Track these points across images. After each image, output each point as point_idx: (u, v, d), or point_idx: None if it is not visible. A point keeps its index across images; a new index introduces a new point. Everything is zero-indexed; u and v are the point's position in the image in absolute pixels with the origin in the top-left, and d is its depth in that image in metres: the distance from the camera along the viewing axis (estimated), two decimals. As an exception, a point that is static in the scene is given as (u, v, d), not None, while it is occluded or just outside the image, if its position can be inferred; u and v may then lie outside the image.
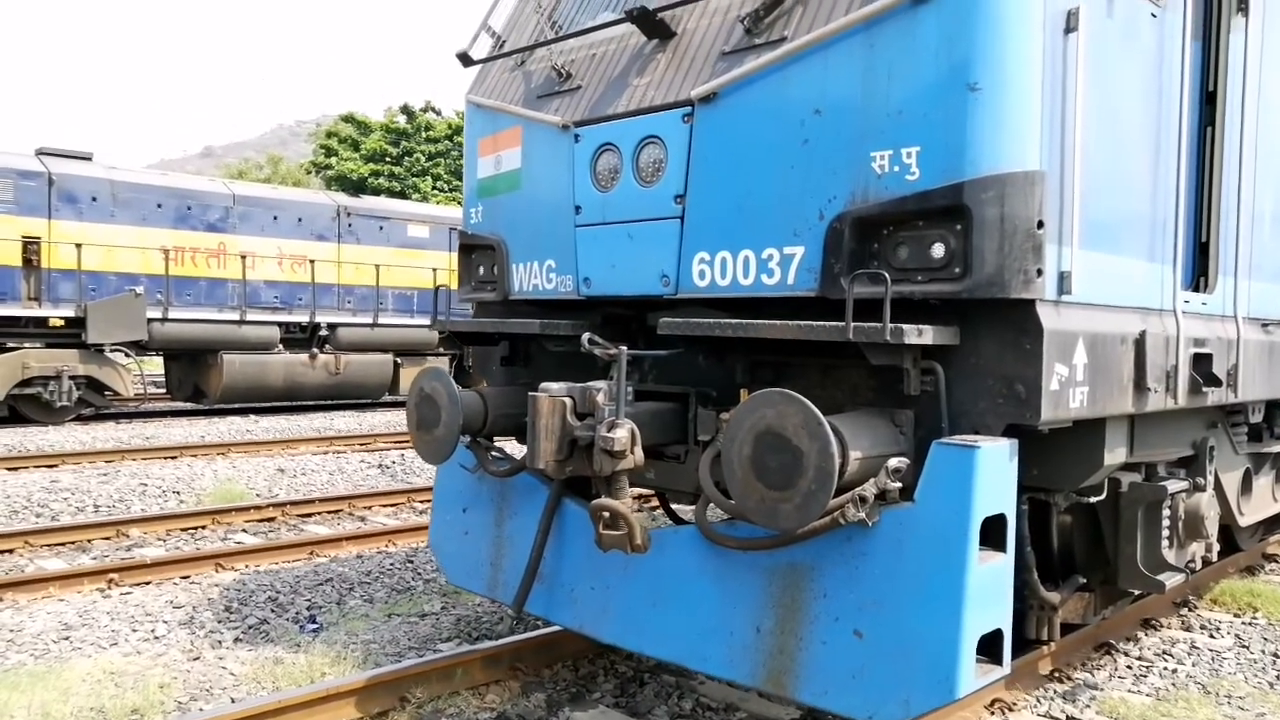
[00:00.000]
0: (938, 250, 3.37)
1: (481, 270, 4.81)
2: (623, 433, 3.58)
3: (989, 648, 3.36)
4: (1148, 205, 3.91)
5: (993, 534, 3.36)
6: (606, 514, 3.64)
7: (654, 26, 4.03)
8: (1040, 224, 3.31)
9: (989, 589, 3.29)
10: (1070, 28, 3.40)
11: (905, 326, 3.23)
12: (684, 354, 3.99)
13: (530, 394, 3.76)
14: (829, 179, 3.54)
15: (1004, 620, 3.38)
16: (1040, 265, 3.32)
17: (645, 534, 3.69)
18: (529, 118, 4.43)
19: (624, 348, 3.67)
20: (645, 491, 5.69)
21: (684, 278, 3.87)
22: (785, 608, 3.59)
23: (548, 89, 4.42)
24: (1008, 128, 3.27)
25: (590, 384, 3.81)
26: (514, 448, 4.90)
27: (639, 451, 3.65)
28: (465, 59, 4.74)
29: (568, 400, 3.77)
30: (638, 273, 4.01)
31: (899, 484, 3.35)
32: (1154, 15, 3.86)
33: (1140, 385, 3.74)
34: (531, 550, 4.29)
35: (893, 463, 3.35)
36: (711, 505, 3.78)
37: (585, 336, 3.84)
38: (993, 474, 3.27)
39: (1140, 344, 3.74)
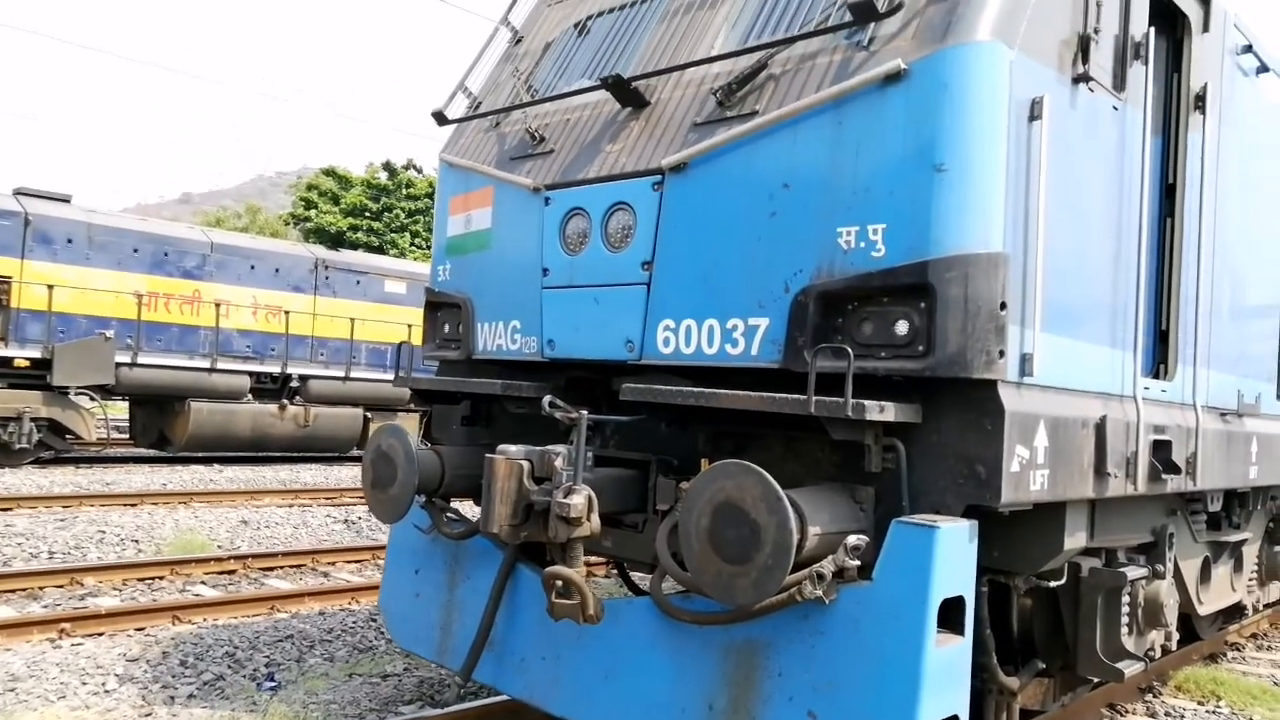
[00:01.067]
0: (901, 327, 3.37)
1: (447, 328, 4.77)
2: (579, 499, 3.52)
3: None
4: (1109, 292, 3.95)
5: (951, 616, 3.31)
6: (559, 582, 3.55)
7: (628, 95, 4.07)
8: (1003, 305, 3.33)
9: (946, 672, 3.23)
10: (1035, 115, 3.46)
11: (867, 403, 3.21)
12: (646, 421, 3.95)
13: (487, 455, 3.70)
14: (796, 252, 3.55)
15: (961, 705, 3.30)
16: (1003, 346, 3.33)
17: (599, 604, 3.60)
18: (501, 178, 4.44)
19: (585, 412, 3.63)
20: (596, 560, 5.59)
21: (649, 344, 3.86)
22: (739, 685, 3.50)
23: (521, 151, 4.45)
24: (972, 209, 3.30)
25: (549, 448, 3.75)
26: (471, 509, 4.82)
27: (595, 519, 3.58)
28: (440, 118, 4.77)
29: (525, 463, 3.71)
30: (603, 337, 3.99)
31: (857, 561, 3.30)
32: (1115, 109, 3.95)
33: (1101, 470, 3.74)
34: (482, 616, 4.18)
35: (851, 540, 3.30)
36: (668, 577, 3.70)
37: (546, 399, 3.79)
38: (952, 555, 3.23)
39: (1101, 428, 3.74)
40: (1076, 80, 3.71)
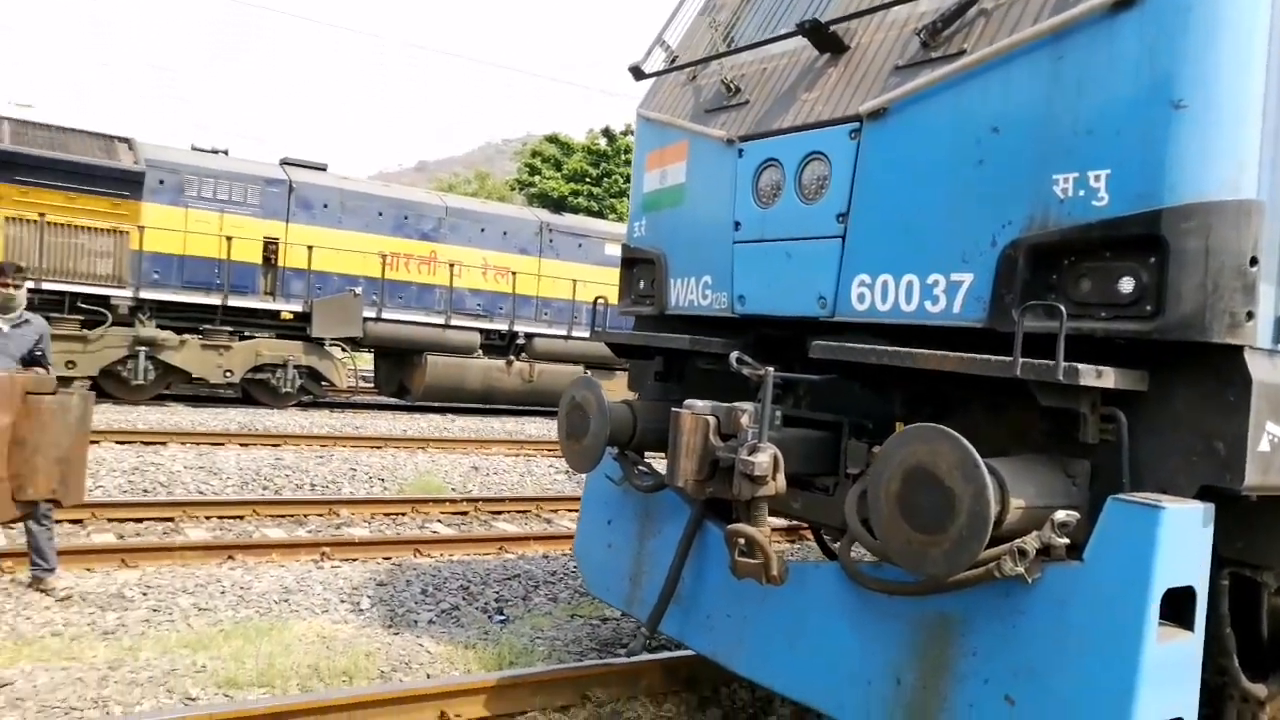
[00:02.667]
0: (1126, 285, 3.02)
1: (641, 284, 4.78)
2: (764, 458, 3.43)
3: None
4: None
5: (1179, 609, 2.97)
6: (742, 540, 3.49)
7: (826, 40, 3.87)
8: (1254, 261, 2.90)
9: (1169, 671, 2.90)
10: (1302, 39, 2.97)
11: (1081, 366, 2.91)
12: (839, 381, 3.79)
13: (673, 410, 3.68)
14: (1005, 202, 3.25)
15: (1186, 708, 2.96)
16: (1251, 307, 2.91)
17: (783, 565, 3.52)
18: (695, 131, 4.37)
19: (771, 369, 3.53)
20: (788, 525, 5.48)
21: (842, 300, 3.68)
22: (929, 662, 3.31)
23: (716, 103, 4.35)
24: (1217, 151, 2.89)
25: (736, 404, 3.68)
26: (662, 464, 4.87)
27: (781, 479, 3.48)
28: (637, 72, 4.75)
29: (711, 419, 3.66)
30: (794, 293, 3.85)
31: (1066, 540, 3.02)
32: None
33: (1371, 451, 3.20)
34: (669, 570, 4.20)
35: (1060, 515, 3.02)
36: (858, 544, 3.55)
37: (733, 355, 3.72)
38: (1180, 540, 2.88)
39: (1374, 403, 3.20)
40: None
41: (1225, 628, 3.50)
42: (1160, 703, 2.85)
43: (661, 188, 4.63)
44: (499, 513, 10.30)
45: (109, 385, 17.15)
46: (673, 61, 4.81)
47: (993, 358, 3.07)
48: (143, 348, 17.20)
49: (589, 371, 21.62)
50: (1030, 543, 2.99)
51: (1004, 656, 3.11)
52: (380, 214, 20.13)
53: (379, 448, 14.01)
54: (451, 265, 20.44)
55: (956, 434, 2.96)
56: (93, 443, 11.56)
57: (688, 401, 3.74)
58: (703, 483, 3.67)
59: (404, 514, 9.73)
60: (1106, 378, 2.96)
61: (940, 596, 3.27)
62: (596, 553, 4.90)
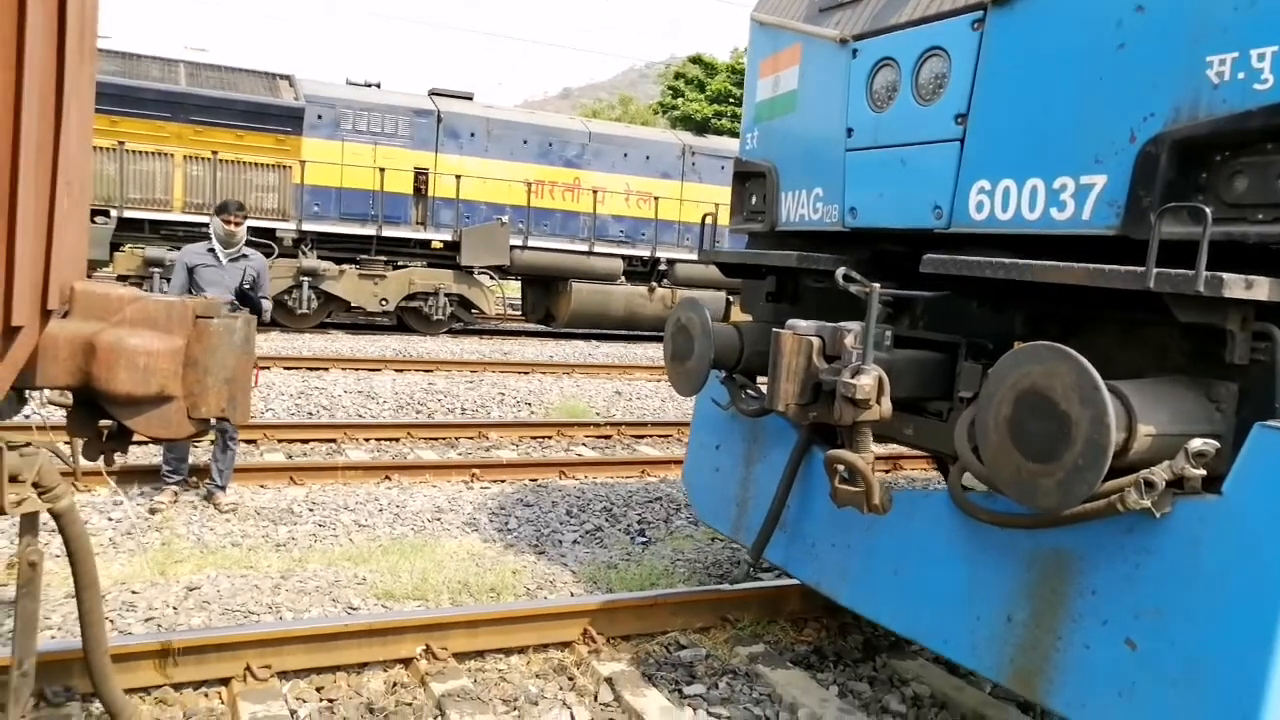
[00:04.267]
0: (1289, 181, 2.61)
1: (754, 199, 4.56)
2: (867, 380, 3.22)
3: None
4: None
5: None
6: (841, 467, 3.32)
7: (952, -81, 3.49)
8: None
9: (1318, 620, 2.57)
10: None
11: (1227, 276, 2.55)
12: (956, 299, 3.50)
13: (774, 330, 3.50)
14: (1147, 91, 2.86)
15: None
16: None
17: (886, 493, 3.32)
18: (808, 32, 4.07)
19: (877, 285, 3.29)
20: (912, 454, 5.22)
21: (959, 210, 3.38)
22: (1043, 599, 3.07)
23: (830, 1, 4.03)
24: None
25: (842, 324, 3.47)
26: (773, 388, 4.72)
27: (886, 402, 3.26)
28: (749, -28, 4.46)
29: (815, 340, 3.46)
30: (908, 203, 3.57)
31: (1202, 471, 2.70)
32: None
33: None
34: (775, 497, 4.06)
35: (1195, 444, 2.70)
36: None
37: (840, 271, 3.50)
38: (1338, 473, 2.52)
39: None
40: None
41: None
42: None
43: (774, 96, 4.37)
44: (641, 436, 10.41)
45: (277, 314, 18.21)
46: (786, -43, 4.49)
47: (1124, 268, 2.74)
48: (306, 278, 18.13)
49: (732, 297, 21.42)
50: (1160, 473, 2.69)
51: (1126, 597, 2.84)
52: (525, 142, 20.31)
53: (526, 373, 14.35)
54: (595, 192, 20.47)
55: (1074, 353, 2.67)
56: (263, 368, 12.41)
57: (790, 321, 3.55)
58: (805, 407, 3.49)
59: (550, 438, 9.96)
60: (1258, 289, 2.58)
61: (1057, 531, 3.01)
62: (704, 478, 4.82)
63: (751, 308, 4.83)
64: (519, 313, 23.85)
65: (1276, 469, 2.53)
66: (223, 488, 6.72)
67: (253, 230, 17.66)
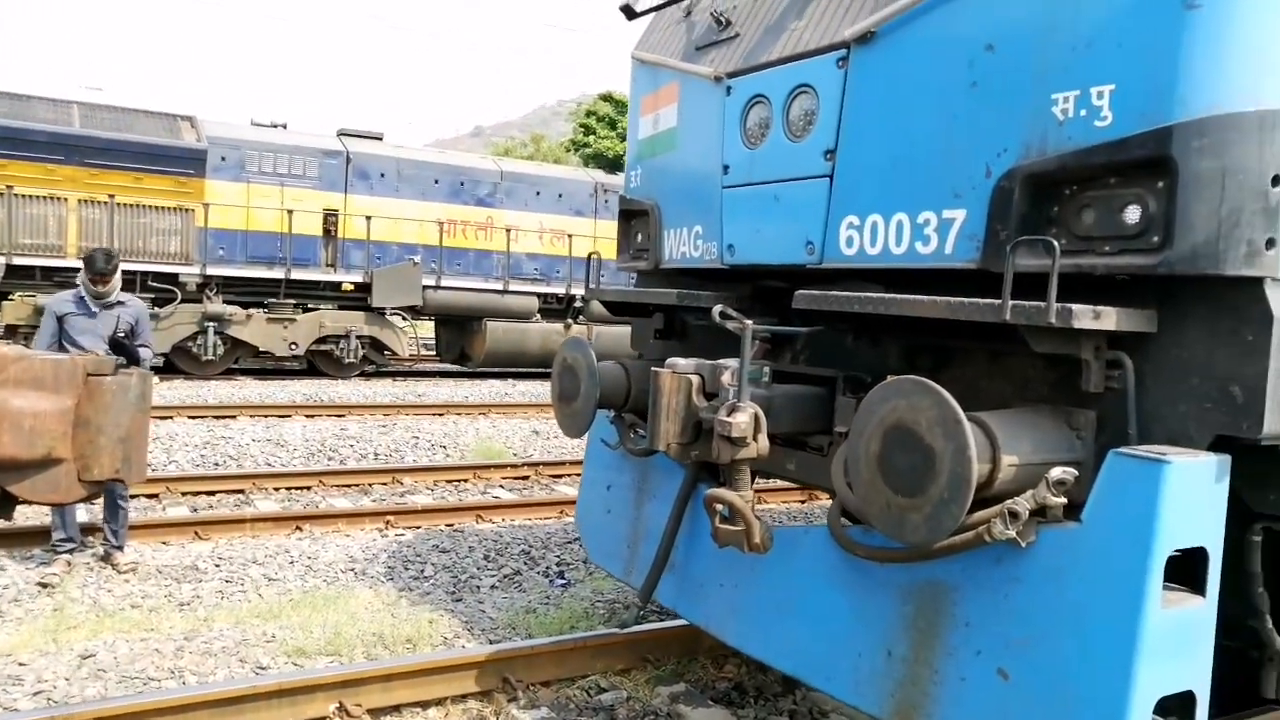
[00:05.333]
0: (1131, 214, 2.70)
1: (639, 237, 4.56)
2: (743, 417, 3.20)
3: (1181, 712, 2.69)
4: None
5: (1191, 571, 2.67)
6: (721, 506, 3.29)
7: (816, -39, 3.56)
8: (1275, 180, 2.55)
9: (1175, 639, 2.61)
10: (1339, -79, 2.58)
11: (1076, 307, 2.61)
12: (831, 333, 3.53)
13: (653, 369, 3.48)
14: (1000, 128, 2.94)
15: (1196, 679, 2.67)
16: (1273, 234, 2.57)
17: (766, 532, 3.30)
18: (684, 70, 4.10)
19: (750, 322, 3.29)
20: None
21: (830, 245, 3.41)
22: (921, 632, 3.07)
23: (706, 39, 4.08)
24: (1235, 55, 2.54)
25: (721, 361, 3.46)
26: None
27: (763, 439, 3.25)
28: (628, 11, 4.48)
29: (694, 378, 3.45)
30: (782, 239, 3.59)
31: (1063, 499, 2.74)
32: None
33: None
34: (663, 537, 4.02)
35: (1055, 473, 2.74)
36: (851, 506, 3.31)
37: (716, 309, 3.49)
38: (1189, 495, 2.58)
39: None
40: None
41: (1257, 588, 3.17)
42: (1164, 675, 2.57)
43: (655, 133, 4.39)
44: (560, 476, 10.29)
45: (180, 361, 17.63)
46: (665, -2, 4.54)
47: (981, 301, 2.79)
48: (211, 323, 17.62)
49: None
50: (1023, 503, 2.72)
51: (997, 627, 2.85)
52: (436, 181, 20.19)
53: (441, 415, 14.12)
54: (508, 230, 20.43)
55: (937, 386, 2.69)
56: (166, 418, 11.94)
57: (669, 360, 3.54)
58: (686, 446, 3.47)
59: (466, 480, 9.78)
60: (1106, 319, 2.65)
61: (931, 564, 3.02)
62: (596, 519, 4.75)
63: (640, 346, 4.81)
64: (433, 353, 23.54)
65: (1130, 495, 2.58)
66: (120, 547, 6.36)
67: (154, 275, 17.26)
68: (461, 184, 20.48)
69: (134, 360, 5.86)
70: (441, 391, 17.72)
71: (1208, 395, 2.65)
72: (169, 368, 17.43)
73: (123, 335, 6.06)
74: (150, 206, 17.54)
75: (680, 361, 3.50)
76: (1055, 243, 2.64)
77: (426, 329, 24.66)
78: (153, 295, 17.28)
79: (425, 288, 19.42)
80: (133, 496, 6.76)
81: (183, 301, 17.45)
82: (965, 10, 3.03)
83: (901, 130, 3.19)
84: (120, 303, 6.26)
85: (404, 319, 20.58)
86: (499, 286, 20.38)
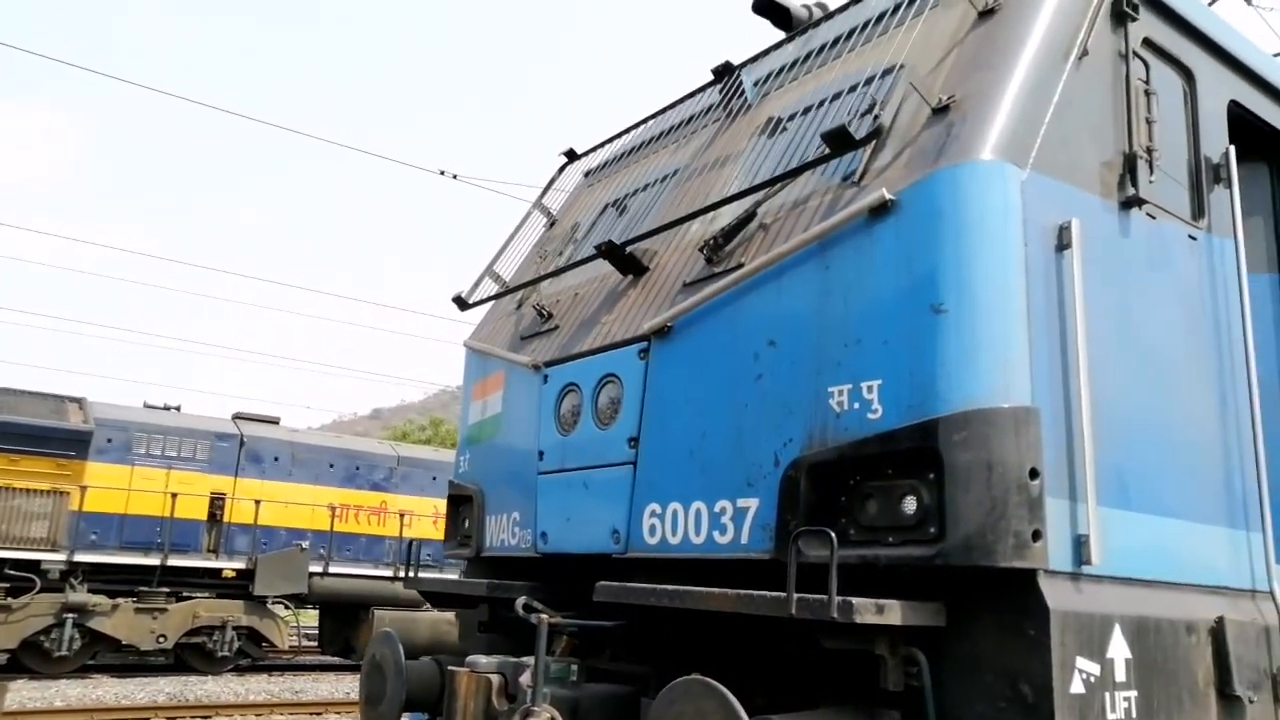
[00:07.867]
0: (909, 505, 2.70)
1: (465, 523, 4.43)
2: (536, 723, 2.94)
3: None
4: (1215, 456, 3.08)
5: None
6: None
7: (626, 262, 3.77)
8: (1034, 473, 2.60)
9: None
10: (1063, 244, 2.84)
11: (858, 601, 2.52)
12: (635, 626, 3.35)
13: (450, 669, 3.22)
14: (784, 419, 3.00)
15: None
16: (1039, 525, 2.57)
17: None
18: (507, 358, 4.19)
19: (544, 618, 3.11)
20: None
21: (635, 534, 3.33)
22: None
23: (530, 330, 4.21)
24: (984, 355, 2.67)
25: (523, 660, 3.23)
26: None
27: (561, 748, 2.97)
28: (460, 303, 4.64)
29: (495, 678, 3.20)
30: (591, 527, 3.50)
31: (862, 815, 2.51)
32: (1193, 239, 3.23)
33: (1226, 692, 2.76)
34: None
35: (853, 786, 2.53)
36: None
37: (520, 602, 3.32)
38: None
39: (1220, 635, 2.80)
40: (1127, 205, 3.07)
41: None
42: None
43: (482, 419, 4.39)
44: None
45: (28, 658, 16.06)
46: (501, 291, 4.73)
47: (770, 594, 2.69)
48: (71, 614, 16.27)
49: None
50: (819, 821, 2.48)
51: None
52: (331, 466, 19.87)
53: (319, 715, 12.97)
54: (402, 515, 19.94)
55: (721, 690, 2.52)
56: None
57: (470, 658, 3.30)
58: (486, 754, 3.15)
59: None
60: (891, 613, 2.56)
61: None
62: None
63: (466, 639, 4.52)
64: (315, 644, 22.02)
65: None
66: None
67: (14, 563, 16.10)
68: (356, 468, 20.20)
69: None
70: (321, 688, 16.35)
71: (1001, 694, 2.54)
72: (13, 666, 15.83)
73: None
74: (21, 489, 16.72)
75: (482, 659, 3.26)
76: (831, 534, 2.60)
77: (311, 618, 23.24)
78: (7, 585, 16.03)
79: (312, 574, 18.49)
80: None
81: (42, 590, 16.19)
82: (749, 308, 3.19)
83: (697, 419, 3.24)
84: None
85: (286, 607, 19.39)
86: (390, 573, 19.56)
